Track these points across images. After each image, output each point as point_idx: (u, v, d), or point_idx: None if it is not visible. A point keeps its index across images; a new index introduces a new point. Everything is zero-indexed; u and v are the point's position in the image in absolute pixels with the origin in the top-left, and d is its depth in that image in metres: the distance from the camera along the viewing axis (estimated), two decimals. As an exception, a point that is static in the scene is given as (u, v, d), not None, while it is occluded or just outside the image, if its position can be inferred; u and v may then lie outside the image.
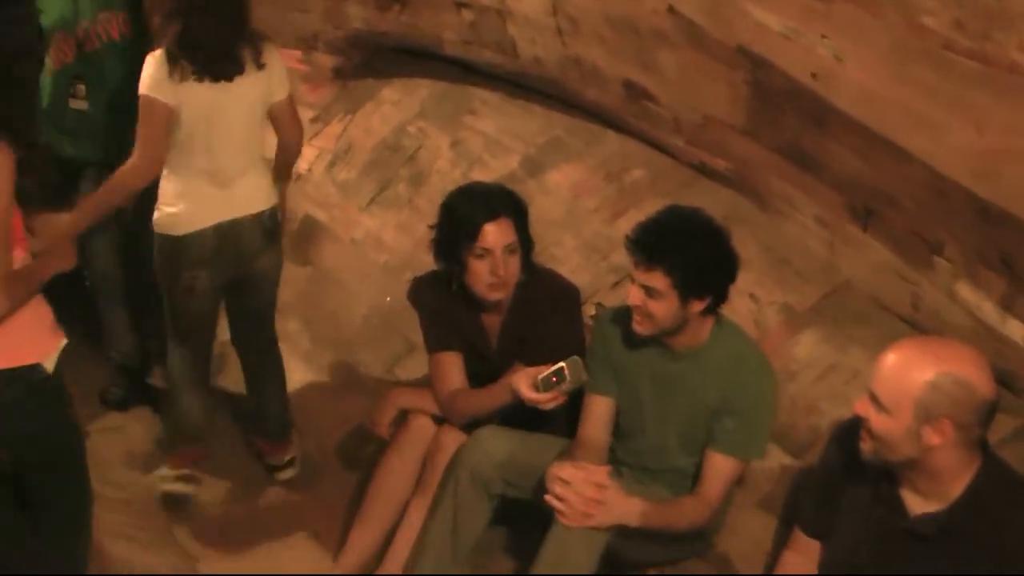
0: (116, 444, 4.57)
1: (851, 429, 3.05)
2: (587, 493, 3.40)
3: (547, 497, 3.44)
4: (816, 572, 3.26)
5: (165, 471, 4.44)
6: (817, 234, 4.29)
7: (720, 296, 3.54)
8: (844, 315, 4.17)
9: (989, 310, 3.66)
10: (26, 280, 3.16)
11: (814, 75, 3.84)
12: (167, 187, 4.10)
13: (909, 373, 2.82)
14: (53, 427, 3.29)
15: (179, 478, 4.44)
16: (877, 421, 2.87)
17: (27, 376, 3.17)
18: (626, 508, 3.44)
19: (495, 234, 3.78)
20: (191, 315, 4.28)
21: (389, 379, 4.79)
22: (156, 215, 4.13)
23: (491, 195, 3.87)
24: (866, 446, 2.94)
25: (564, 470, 3.45)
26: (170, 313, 4.30)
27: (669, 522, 3.54)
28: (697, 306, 3.49)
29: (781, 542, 3.48)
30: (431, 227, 3.94)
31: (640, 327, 3.55)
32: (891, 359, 2.88)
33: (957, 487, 2.89)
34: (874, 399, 2.88)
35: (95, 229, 4.26)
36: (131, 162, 4.00)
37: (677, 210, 3.63)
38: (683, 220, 3.53)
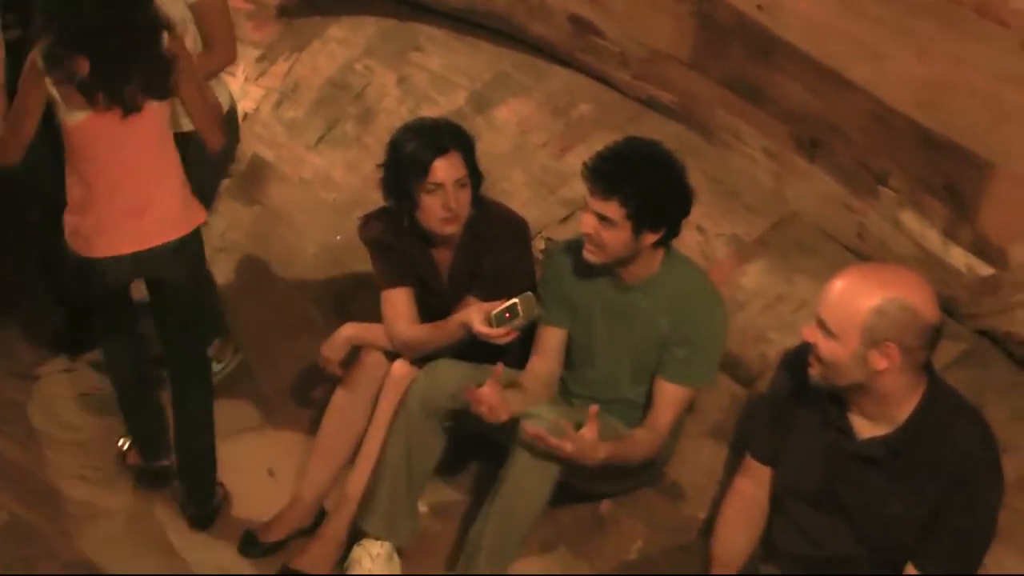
0: (68, 386, 4.55)
1: (800, 356, 3.10)
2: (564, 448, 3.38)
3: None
4: (767, 497, 3.32)
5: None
6: (764, 165, 4.32)
7: (673, 230, 3.57)
8: (791, 245, 4.21)
9: (933, 238, 3.71)
10: None
11: (759, 7, 3.87)
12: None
13: (855, 299, 2.86)
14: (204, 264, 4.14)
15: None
16: (825, 346, 2.92)
17: (200, 231, 3.90)
18: (593, 454, 3.43)
19: (445, 169, 3.78)
20: None
21: (340, 317, 4.79)
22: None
23: (439, 130, 3.87)
24: (814, 371, 2.99)
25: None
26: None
27: (626, 458, 3.59)
28: (649, 238, 3.52)
29: (732, 469, 3.53)
30: (379, 166, 3.94)
31: (591, 255, 3.57)
32: (838, 285, 2.92)
33: (904, 410, 2.95)
34: (822, 325, 2.92)
35: None
36: (221, 56, 4.25)
37: (636, 142, 3.64)
38: (642, 152, 3.56)
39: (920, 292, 2.86)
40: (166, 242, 3.73)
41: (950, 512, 2.92)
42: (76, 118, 3.56)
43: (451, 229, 3.86)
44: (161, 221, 3.72)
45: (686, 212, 3.60)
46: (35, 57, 3.50)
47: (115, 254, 3.69)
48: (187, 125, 4.14)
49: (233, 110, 4.47)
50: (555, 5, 4.79)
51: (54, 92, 3.51)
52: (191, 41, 4.13)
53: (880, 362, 2.86)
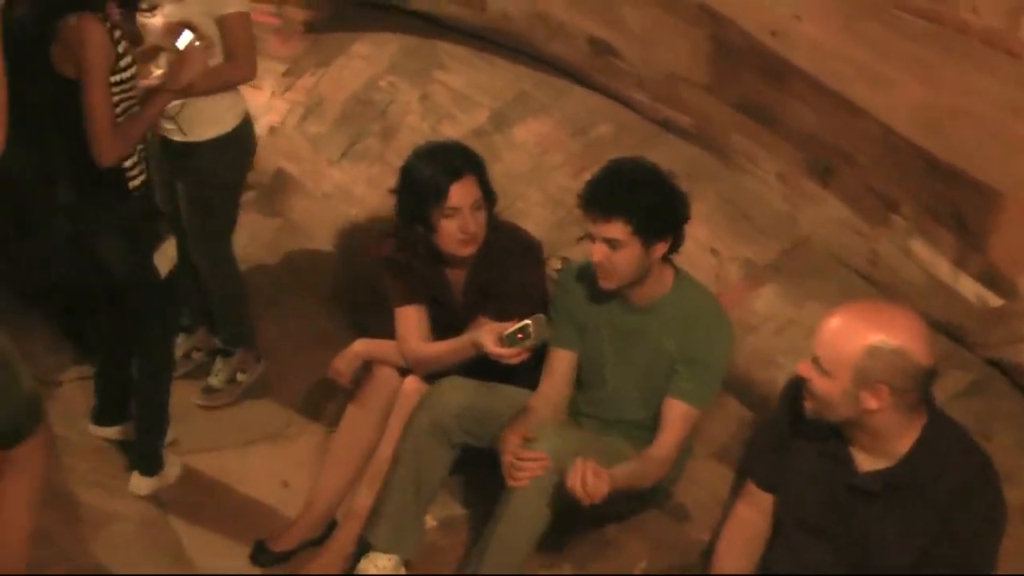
0: (87, 393, 4.59)
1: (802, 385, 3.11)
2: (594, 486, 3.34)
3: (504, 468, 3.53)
4: (768, 522, 3.33)
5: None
6: (778, 190, 4.33)
7: (678, 237, 3.61)
8: (803, 270, 4.21)
9: (943, 267, 3.71)
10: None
11: (774, 33, 3.88)
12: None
13: (849, 339, 2.88)
14: None
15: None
16: (818, 382, 2.94)
17: None
18: (600, 491, 3.37)
19: (461, 193, 3.83)
20: None
21: (356, 331, 4.83)
22: (236, 119, 4.46)
23: (453, 154, 3.91)
24: (808, 405, 3.01)
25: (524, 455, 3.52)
26: (231, 213, 4.65)
27: (633, 486, 3.57)
28: (660, 249, 3.55)
29: (737, 493, 3.53)
30: (392, 191, 3.98)
31: (606, 282, 3.60)
32: (833, 323, 2.93)
33: (903, 445, 2.95)
34: (816, 361, 2.94)
35: None
36: (243, 69, 4.42)
37: (619, 162, 3.69)
38: (628, 168, 3.61)
39: (915, 336, 2.86)
40: None
41: (949, 543, 2.93)
42: None
43: (469, 251, 3.91)
44: None
45: (686, 216, 3.63)
46: None
47: None
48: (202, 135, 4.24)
49: (248, 124, 4.55)
50: (573, 26, 4.81)
51: None
52: (216, 56, 4.25)
53: (871, 402, 2.87)
